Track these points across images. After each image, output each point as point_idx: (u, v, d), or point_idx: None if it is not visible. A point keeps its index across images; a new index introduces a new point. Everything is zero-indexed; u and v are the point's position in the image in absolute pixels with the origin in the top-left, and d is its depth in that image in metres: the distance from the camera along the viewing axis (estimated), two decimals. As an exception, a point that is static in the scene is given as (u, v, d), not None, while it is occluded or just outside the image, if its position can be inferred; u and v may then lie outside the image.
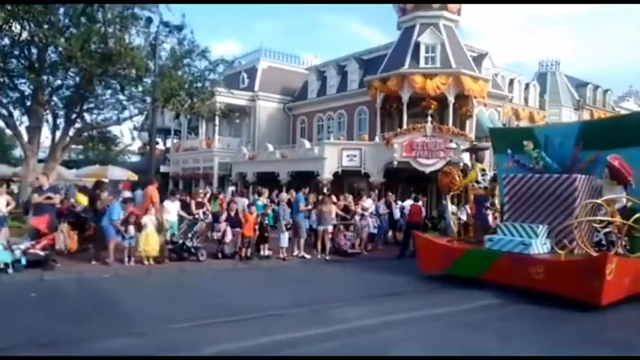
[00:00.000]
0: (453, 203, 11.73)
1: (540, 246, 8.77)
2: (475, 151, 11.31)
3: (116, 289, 8.48)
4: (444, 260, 9.80)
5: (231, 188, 18.92)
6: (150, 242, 10.57)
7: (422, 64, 23.99)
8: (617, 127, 9.54)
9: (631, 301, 7.84)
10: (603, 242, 8.44)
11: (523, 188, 9.64)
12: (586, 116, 33.66)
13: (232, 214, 12.16)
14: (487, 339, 5.88)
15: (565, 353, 5.46)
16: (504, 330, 6.35)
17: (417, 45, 24.23)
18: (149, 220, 10.68)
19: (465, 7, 25.80)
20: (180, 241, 11.14)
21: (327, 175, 22.79)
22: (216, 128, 30.02)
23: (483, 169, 10.55)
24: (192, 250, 11.24)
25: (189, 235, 11.31)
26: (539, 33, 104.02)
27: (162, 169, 33.17)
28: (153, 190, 11.86)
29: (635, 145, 8.76)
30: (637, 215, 8.18)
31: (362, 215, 14.14)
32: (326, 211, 12.91)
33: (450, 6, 24.86)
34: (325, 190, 19.91)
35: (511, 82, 30.84)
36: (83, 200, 10.00)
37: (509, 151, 10.59)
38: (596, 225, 8.43)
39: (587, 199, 8.74)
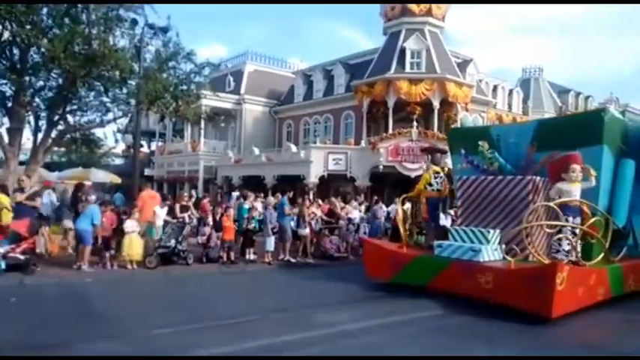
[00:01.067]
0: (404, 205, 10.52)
1: (491, 252, 8.14)
2: (431, 153, 10.65)
3: (98, 293, 8.36)
4: (392, 267, 9.09)
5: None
6: (134, 247, 10.46)
7: (407, 69, 24.22)
8: (573, 126, 9.05)
9: (583, 313, 7.21)
10: (564, 249, 7.70)
11: (476, 191, 9.18)
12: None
13: (217, 217, 12.14)
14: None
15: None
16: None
17: (403, 50, 24.45)
18: (133, 225, 10.57)
19: (450, 14, 26.11)
20: (172, 245, 11.05)
21: (313, 178, 22.82)
22: (202, 131, 29.84)
23: (437, 172, 9.90)
24: (182, 254, 11.15)
25: (180, 238, 11.23)
26: (523, 40, 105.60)
27: (147, 172, 32.85)
28: (147, 195, 11.90)
29: (591, 144, 8.44)
30: (592, 220, 7.79)
31: (349, 219, 14.16)
32: (303, 214, 12.95)
33: (435, 12, 25.15)
34: (311, 194, 19.93)
35: (495, 88, 31.27)
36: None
37: (462, 151, 10.25)
38: (548, 230, 7.90)
39: (543, 202, 8.28)
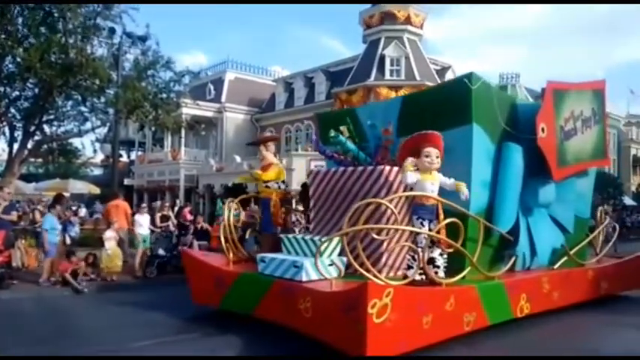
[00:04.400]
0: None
1: (321, 268, 5.85)
2: (263, 143, 8.41)
3: (77, 307, 8.20)
4: (217, 289, 6.89)
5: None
6: (113, 259, 10.29)
7: (387, 76, 24.49)
8: (438, 101, 6.93)
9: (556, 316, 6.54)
10: (437, 261, 5.85)
11: (328, 187, 7.10)
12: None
13: (199, 227, 12.12)
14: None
15: None
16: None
17: (382, 58, 24.74)
18: (111, 236, 10.40)
19: (428, 22, 26.50)
20: (163, 254, 10.96)
21: (295, 186, 22.80)
22: (182, 140, 29.63)
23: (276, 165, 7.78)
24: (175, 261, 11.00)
25: (170, 247, 11.17)
26: (500, 47, 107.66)
27: (127, 181, 32.43)
28: (112, 205, 11.77)
29: (459, 124, 6.45)
30: (444, 223, 5.62)
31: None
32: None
33: (414, 20, 25.52)
34: (294, 201, 19.86)
35: (473, 94, 31.73)
36: None
37: (313, 137, 8.53)
38: (375, 236, 5.69)
39: (371, 199, 6.00)
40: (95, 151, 16.18)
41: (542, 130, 6.94)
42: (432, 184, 5.76)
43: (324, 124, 8.75)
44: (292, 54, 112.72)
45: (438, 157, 5.79)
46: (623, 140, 44.01)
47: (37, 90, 13.84)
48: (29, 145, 14.59)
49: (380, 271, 5.72)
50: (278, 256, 6.44)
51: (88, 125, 15.28)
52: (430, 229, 5.61)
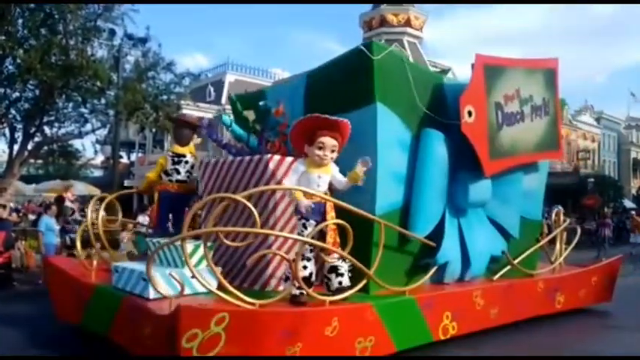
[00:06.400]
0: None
1: (179, 281, 4.45)
2: (175, 127, 6.79)
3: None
4: (77, 303, 5.72)
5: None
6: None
7: (387, 78, 24.52)
8: (341, 77, 5.63)
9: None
10: (340, 269, 4.80)
11: (217, 182, 5.95)
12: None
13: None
14: None
15: None
16: None
17: (383, 60, 24.79)
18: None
19: (427, 25, 26.57)
20: None
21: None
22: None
23: (179, 154, 6.29)
24: None
25: None
26: (499, 50, 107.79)
27: (127, 183, 32.42)
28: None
29: (362, 104, 5.28)
30: (325, 225, 4.48)
31: None
32: None
33: (414, 23, 25.59)
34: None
35: (473, 96, 31.71)
36: None
37: (204, 121, 6.65)
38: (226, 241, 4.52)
39: (225, 194, 4.98)
40: (96, 152, 16.26)
41: (469, 113, 5.69)
42: (319, 176, 4.62)
43: (237, 107, 7.14)
44: (292, 56, 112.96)
45: (334, 150, 4.63)
46: (624, 143, 44.11)
47: (37, 91, 13.88)
48: (29, 147, 14.63)
49: (265, 285, 4.89)
50: (129, 265, 5.25)
51: (89, 127, 15.33)
52: (323, 232, 4.50)
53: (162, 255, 5.17)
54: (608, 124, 43.28)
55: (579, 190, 28.89)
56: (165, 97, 15.13)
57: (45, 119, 14.57)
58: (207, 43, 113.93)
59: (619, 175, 41.45)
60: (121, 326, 4.90)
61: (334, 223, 4.50)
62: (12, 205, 10.52)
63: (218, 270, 4.45)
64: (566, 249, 7.82)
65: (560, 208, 8.09)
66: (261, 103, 6.13)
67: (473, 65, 6.15)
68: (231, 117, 6.60)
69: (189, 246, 4.59)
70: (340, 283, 4.70)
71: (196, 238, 4.82)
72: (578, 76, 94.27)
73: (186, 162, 6.34)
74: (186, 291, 4.52)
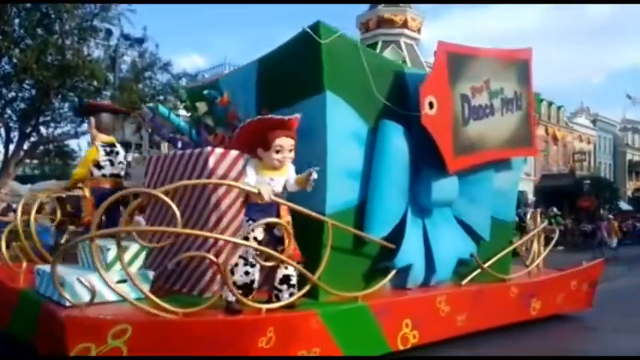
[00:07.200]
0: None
1: (102, 285, 3.90)
2: (93, 113, 5.74)
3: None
4: (5, 309, 5.17)
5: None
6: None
7: (384, 79, 24.57)
8: (291, 64, 5.06)
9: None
10: (291, 279, 4.33)
11: (160, 178, 5.39)
12: (541, 132, 35.05)
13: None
14: None
15: None
16: None
17: (380, 61, 24.84)
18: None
19: (425, 26, 26.65)
20: None
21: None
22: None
23: (110, 144, 5.54)
24: None
25: None
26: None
27: (125, 183, 32.40)
28: None
29: (311, 93, 4.73)
30: (263, 222, 3.95)
31: None
32: None
33: (411, 24, 25.65)
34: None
35: (470, 98, 31.84)
36: None
37: (146, 111, 6.50)
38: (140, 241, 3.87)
39: (234, 195, 4.54)
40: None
41: (430, 105, 5.27)
42: (271, 179, 4.16)
43: (193, 101, 6.53)
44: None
45: (292, 149, 4.16)
46: (619, 145, 44.33)
47: (33, 91, 13.86)
48: (25, 147, 14.61)
49: (204, 290, 4.34)
50: (45, 268, 4.56)
51: (85, 127, 15.32)
52: (276, 236, 4.09)
53: (84, 258, 4.53)
54: (604, 126, 43.52)
55: (575, 192, 28.99)
56: (162, 97, 15.15)
57: (41, 119, 14.55)
58: (204, 44, 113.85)
59: (614, 177, 41.63)
60: (42, 335, 4.27)
61: (290, 227, 4.04)
62: (5, 205, 10.45)
63: (132, 273, 3.84)
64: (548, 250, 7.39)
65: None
66: (205, 91, 5.65)
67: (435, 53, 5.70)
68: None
69: (113, 248, 4.00)
70: (292, 295, 4.12)
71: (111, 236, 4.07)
72: (575, 78, 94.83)
73: (117, 153, 5.68)
74: (111, 297, 3.91)
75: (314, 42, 4.59)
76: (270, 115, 4.08)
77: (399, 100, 5.28)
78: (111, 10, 13.06)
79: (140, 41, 14.21)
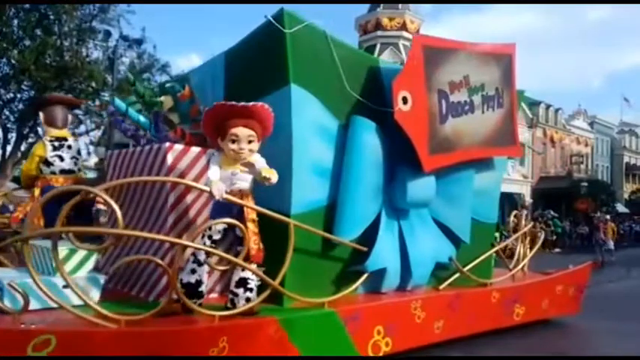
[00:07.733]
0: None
1: (46, 291, 3.38)
2: (41, 107, 5.42)
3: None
4: None
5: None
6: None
7: (383, 82, 24.62)
8: (257, 55, 4.80)
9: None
10: (249, 283, 4.07)
11: (121, 173, 5.05)
12: (539, 134, 35.12)
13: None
14: None
15: None
16: None
17: (378, 63, 24.90)
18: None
19: (423, 29, 26.71)
20: None
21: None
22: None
23: (61, 138, 5.16)
24: None
25: None
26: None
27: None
28: None
29: (278, 85, 4.41)
30: (216, 222, 3.75)
31: None
32: None
33: (409, 27, 25.70)
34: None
35: (468, 100, 31.89)
36: None
37: (110, 108, 6.02)
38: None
39: (195, 193, 4.26)
40: (89, 153, 16.20)
41: (404, 100, 5.00)
42: (232, 173, 3.85)
43: (162, 95, 5.97)
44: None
45: (252, 141, 3.83)
46: (616, 148, 44.46)
47: (31, 92, 13.84)
48: (22, 148, 14.57)
49: (160, 295, 4.00)
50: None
51: (83, 128, 15.32)
52: (238, 236, 3.83)
53: (34, 261, 4.05)
54: (602, 128, 43.59)
55: (572, 194, 29.05)
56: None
57: (38, 120, 14.53)
58: (203, 43, 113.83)
59: (612, 179, 41.70)
60: None
61: (256, 226, 3.82)
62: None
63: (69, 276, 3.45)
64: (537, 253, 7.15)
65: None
66: (168, 85, 5.37)
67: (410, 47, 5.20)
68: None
69: (62, 250, 3.65)
70: (249, 299, 3.81)
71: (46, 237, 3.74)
72: (573, 80, 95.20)
73: (69, 146, 5.18)
74: (34, 304, 3.51)
75: (278, 32, 4.29)
76: (229, 102, 3.79)
77: (373, 94, 4.98)
78: (110, 11, 13.07)
79: (139, 42, 14.22)
